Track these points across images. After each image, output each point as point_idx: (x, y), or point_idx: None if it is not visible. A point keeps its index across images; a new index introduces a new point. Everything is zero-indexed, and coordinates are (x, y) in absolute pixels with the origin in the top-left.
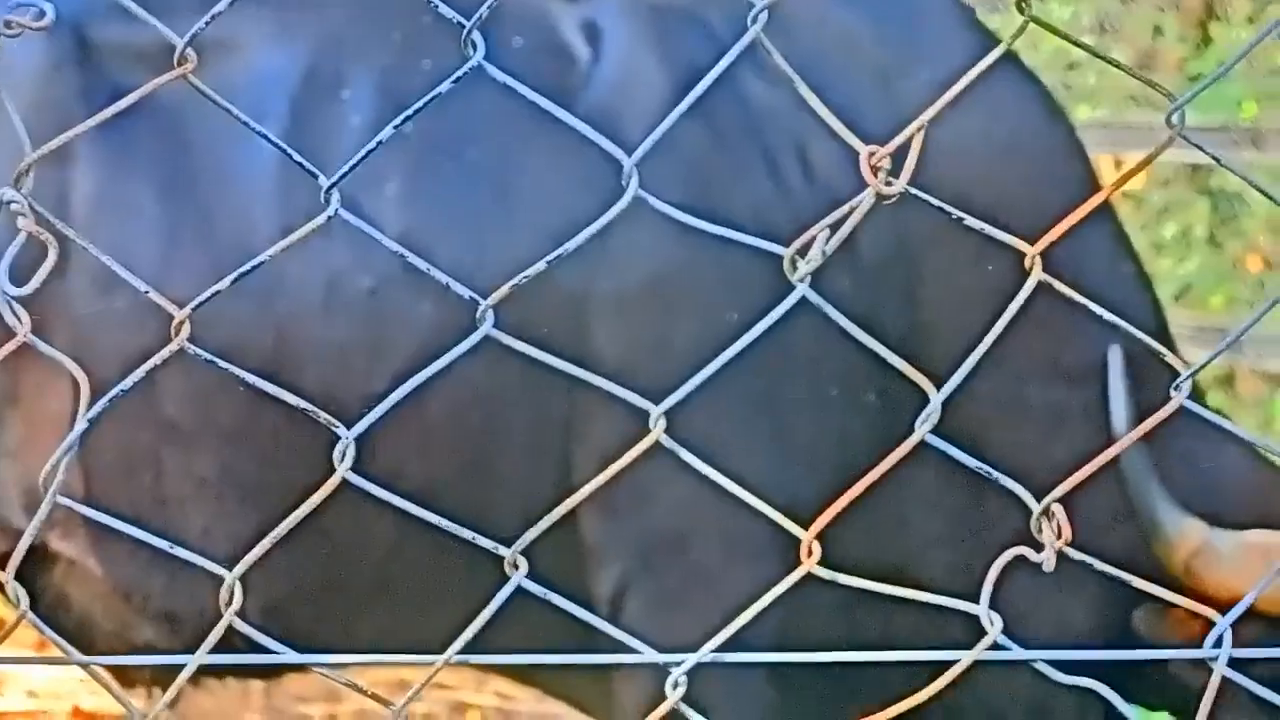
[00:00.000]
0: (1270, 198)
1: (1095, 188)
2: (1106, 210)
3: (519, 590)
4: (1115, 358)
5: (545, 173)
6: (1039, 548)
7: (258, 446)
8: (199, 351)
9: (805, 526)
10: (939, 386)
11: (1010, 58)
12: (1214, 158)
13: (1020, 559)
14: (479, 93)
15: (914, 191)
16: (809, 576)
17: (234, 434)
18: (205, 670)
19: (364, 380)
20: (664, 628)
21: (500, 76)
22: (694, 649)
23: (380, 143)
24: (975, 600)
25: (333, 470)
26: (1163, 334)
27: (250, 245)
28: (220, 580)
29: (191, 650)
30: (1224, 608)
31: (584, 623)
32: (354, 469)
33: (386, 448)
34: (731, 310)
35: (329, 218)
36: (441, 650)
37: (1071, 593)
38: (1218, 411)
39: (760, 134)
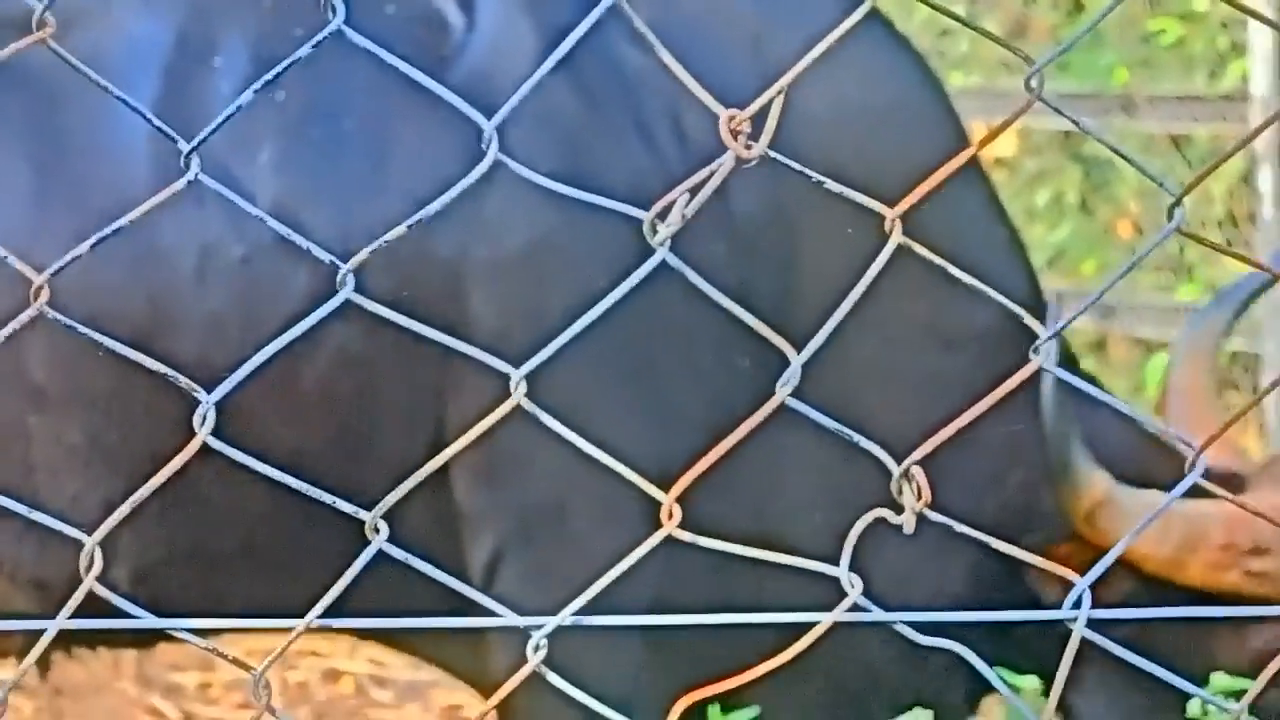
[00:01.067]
0: (1130, 162)
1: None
2: (979, 175)
3: (386, 556)
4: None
5: (418, 141)
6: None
7: (127, 414)
8: (58, 316)
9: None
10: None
11: (883, 24)
12: (1074, 121)
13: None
14: (355, 61)
15: (773, 155)
16: (677, 541)
17: (102, 401)
18: (77, 640)
19: (238, 349)
20: (539, 596)
21: (361, 41)
22: (622, 662)
23: (240, 107)
24: (847, 563)
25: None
26: (1035, 299)
27: (119, 212)
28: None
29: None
30: (1134, 563)
31: (455, 590)
32: (226, 437)
33: (259, 416)
34: (605, 277)
35: (189, 182)
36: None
37: (951, 556)
38: (1090, 377)
39: (634, 101)
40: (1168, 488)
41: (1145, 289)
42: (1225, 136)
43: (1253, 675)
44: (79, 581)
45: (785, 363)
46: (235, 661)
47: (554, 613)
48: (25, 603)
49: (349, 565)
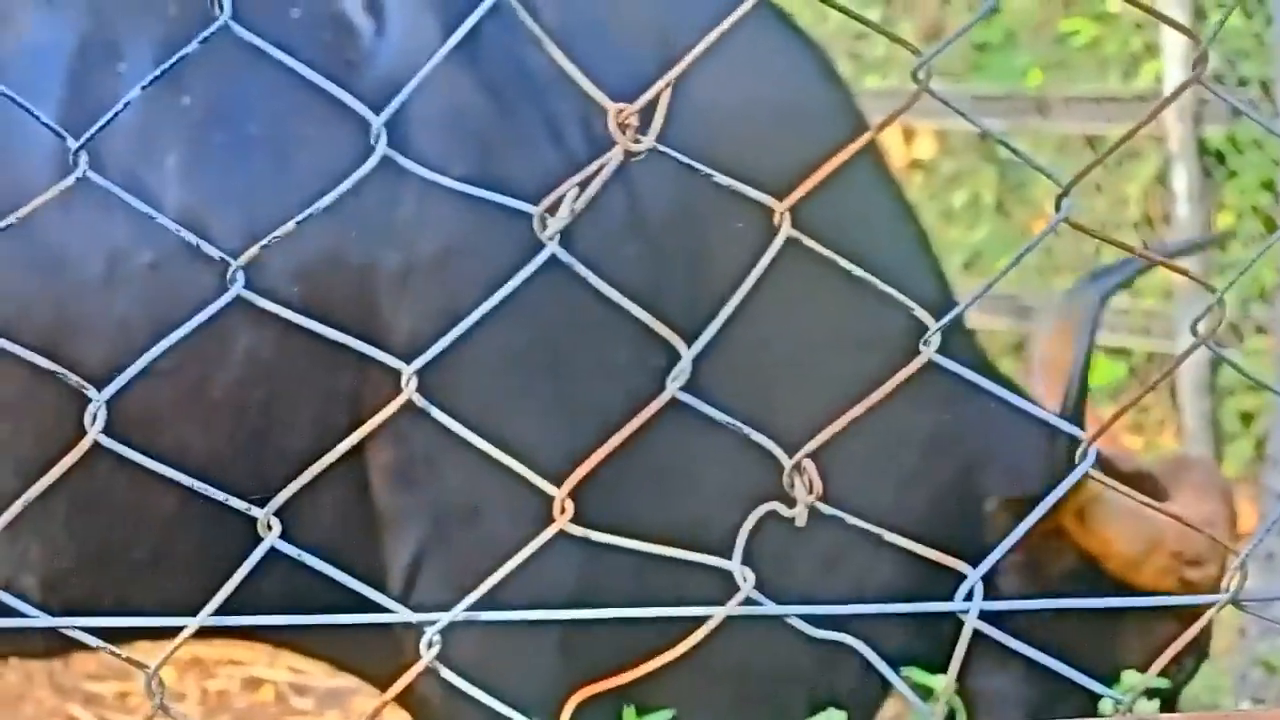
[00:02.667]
0: (1016, 153)
1: (873, 153)
2: (884, 173)
3: (286, 558)
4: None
5: (322, 143)
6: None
7: (36, 421)
8: None
9: (592, 491)
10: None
11: (787, 25)
12: (962, 113)
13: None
14: (259, 66)
15: (660, 148)
16: (594, 546)
17: (12, 408)
18: None
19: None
20: (459, 597)
21: (249, 38)
22: (516, 658)
23: (127, 104)
24: (739, 557)
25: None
26: (943, 296)
27: (28, 221)
28: None
29: None
30: (1098, 558)
31: (361, 593)
32: (137, 443)
33: (171, 423)
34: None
35: (78, 180)
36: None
37: (875, 551)
38: (1008, 382)
39: (544, 102)
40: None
41: (1061, 290)
42: (1139, 137)
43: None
44: None
45: (699, 363)
46: (129, 660)
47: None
48: None
49: (264, 567)
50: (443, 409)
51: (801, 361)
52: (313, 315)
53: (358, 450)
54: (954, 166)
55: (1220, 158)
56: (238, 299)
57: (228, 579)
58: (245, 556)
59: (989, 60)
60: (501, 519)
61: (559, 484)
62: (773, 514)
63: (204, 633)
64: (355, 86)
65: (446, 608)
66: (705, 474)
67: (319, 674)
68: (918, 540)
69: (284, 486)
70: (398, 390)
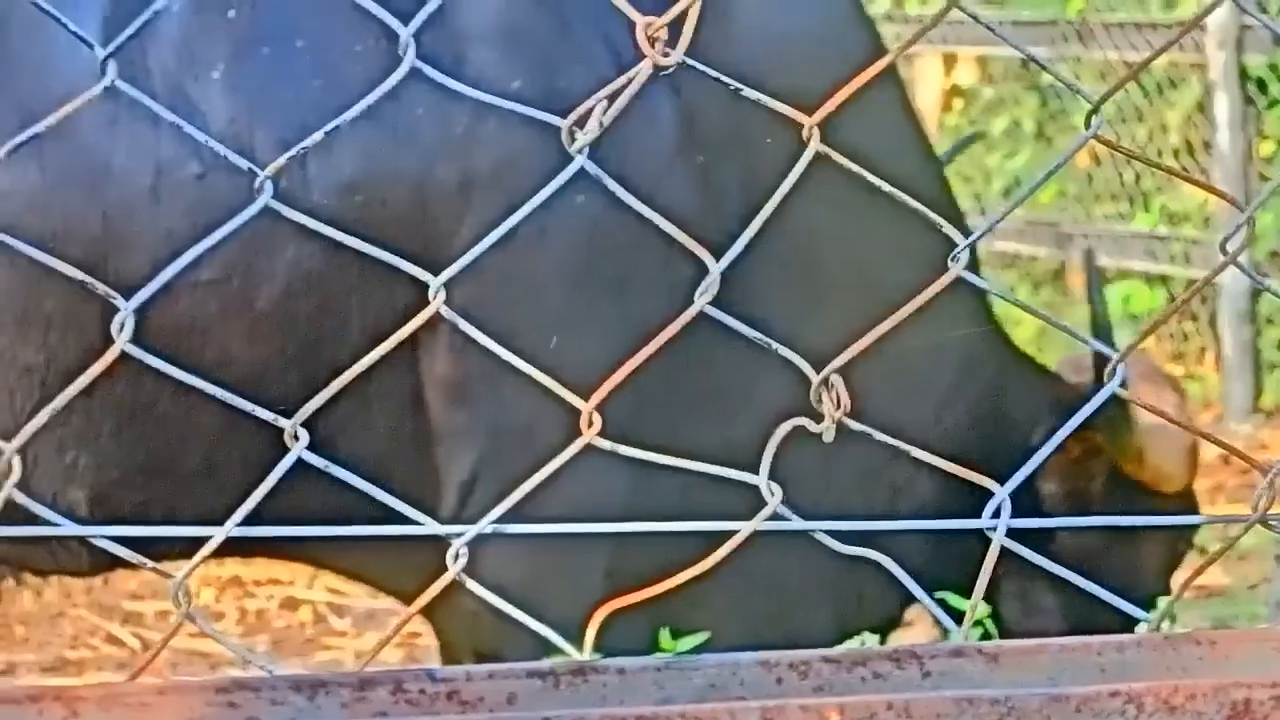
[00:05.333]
0: (1042, 66)
1: (891, 76)
2: (896, 91)
3: (326, 475)
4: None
5: (368, 57)
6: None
7: (81, 333)
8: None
9: (633, 406)
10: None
11: None
12: (1002, 38)
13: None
14: None
15: (689, 61)
16: (641, 473)
17: (58, 321)
18: (26, 566)
19: (192, 266)
20: (510, 517)
21: None
22: (545, 572)
23: (156, 13)
24: (766, 471)
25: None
26: (953, 213)
27: (72, 132)
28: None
29: (24, 552)
30: (1150, 485)
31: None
32: (183, 355)
33: (216, 336)
34: (574, 196)
35: (105, 89)
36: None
37: (911, 473)
38: (1047, 306)
39: (604, 21)
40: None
41: (1102, 217)
42: (1180, 64)
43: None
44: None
45: (743, 276)
46: (156, 570)
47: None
48: None
49: (303, 483)
50: (504, 326)
51: (841, 280)
52: (368, 227)
53: (412, 367)
54: (994, 93)
55: (1261, 85)
56: (265, 211)
57: (275, 492)
58: (294, 479)
59: None
60: (556, 440)
61: (620, 402)
62: (809, 434)
63: (245, 550)
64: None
65: (508, 549)
66: (763, 395)
67: (358, 596)
68: (952, 460)
69: (342, 400)
70: (466, 305)
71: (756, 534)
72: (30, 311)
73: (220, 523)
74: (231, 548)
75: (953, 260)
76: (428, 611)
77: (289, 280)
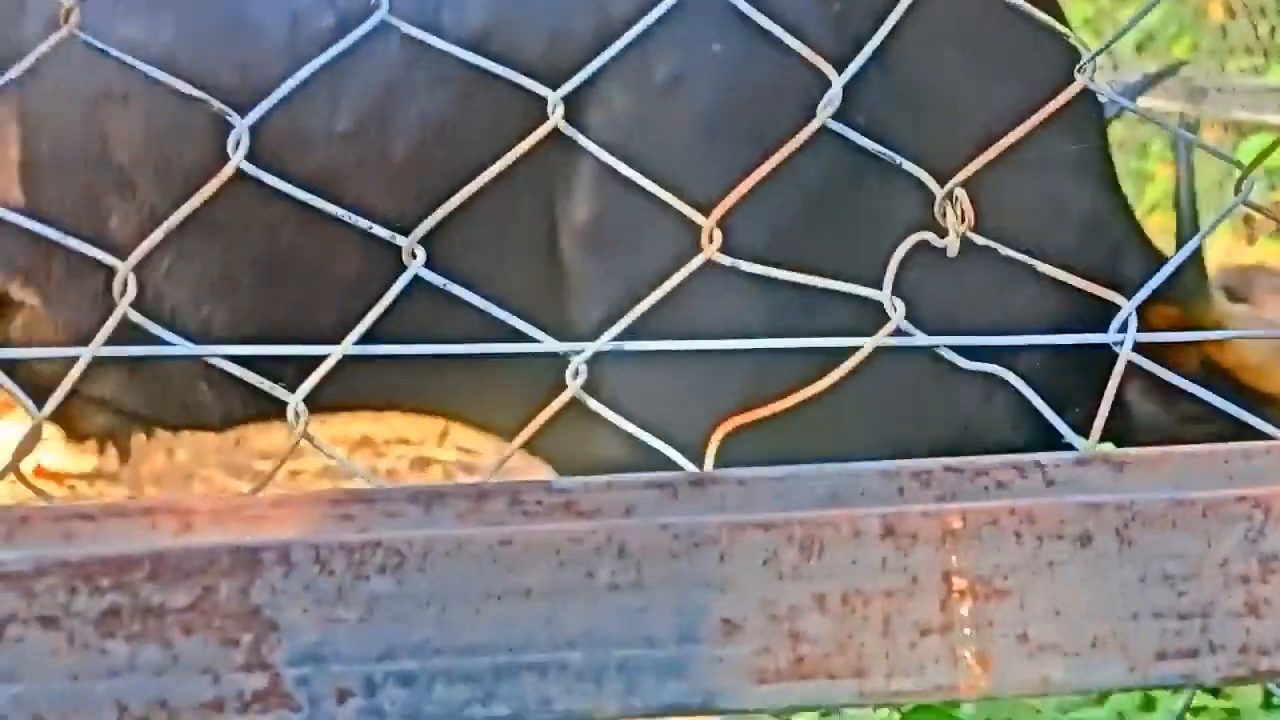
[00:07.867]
0: None
1: None
2: None
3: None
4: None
5: None
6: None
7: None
8: (90, 40)
9: (768, 233)
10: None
11: None
12: None
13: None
14: None
15: None
16: (776, 308)
17: (195, 176)
18: (160, 422)
19: (327, 117)
20: (638, 371)
21: None
22: (669, 396)
23: None
24: (890, 287)
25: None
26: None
27: None
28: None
29: (156, 405)
30: (1230, 375)
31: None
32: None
33: (353, 186)
34: (712, 43)
35: None
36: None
37: (1032, 295)
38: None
39: None
40: None
41: (1236, 71)
42: None
43: None
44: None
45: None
46: (274, 391)
47: (654, 390)
48: (112, 386)
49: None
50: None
51: (967, 114)
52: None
53: (549, 214)
54: None
55: None
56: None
57: (409, 345)
58: (428, 325)
59: None
60: (695, 289)
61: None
62: (932, 250)
63: (378, 403)
64: None
65: (628, 375)
66: (890, 218)
67: (488, 454)
68: (1066, 315)
69: (475, 248)
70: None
71: (880, 352)
72: (171, 161)
73: (354, 375)
74: (366, 399)
75: (1079, 72)
76: (548, 457)
77: (422, 130)
